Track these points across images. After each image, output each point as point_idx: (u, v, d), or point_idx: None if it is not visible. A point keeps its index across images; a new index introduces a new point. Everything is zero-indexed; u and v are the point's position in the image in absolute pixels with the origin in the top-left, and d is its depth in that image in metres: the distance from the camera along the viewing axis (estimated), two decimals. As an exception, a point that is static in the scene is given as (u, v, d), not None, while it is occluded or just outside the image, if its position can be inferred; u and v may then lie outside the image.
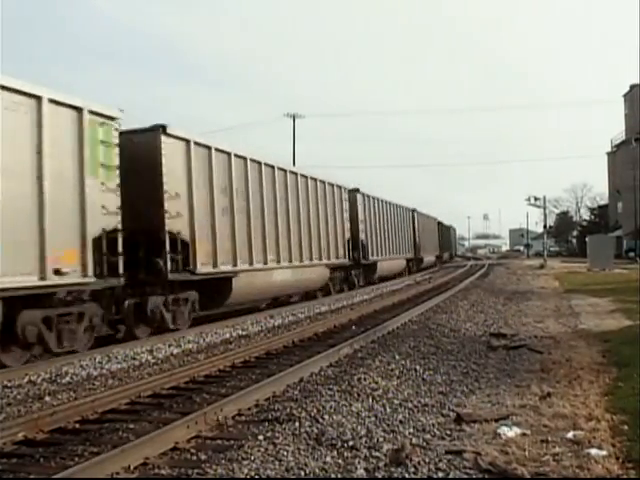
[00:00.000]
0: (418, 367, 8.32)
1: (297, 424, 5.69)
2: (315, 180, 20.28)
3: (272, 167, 16.91)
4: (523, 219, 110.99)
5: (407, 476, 4.43)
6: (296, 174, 18.62)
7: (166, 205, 12.08)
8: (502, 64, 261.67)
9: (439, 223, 52.88)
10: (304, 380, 7.65)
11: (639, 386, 6.61)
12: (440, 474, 4.43)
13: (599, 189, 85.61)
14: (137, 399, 7.06)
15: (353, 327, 13.01)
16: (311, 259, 19.10)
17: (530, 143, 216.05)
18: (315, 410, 6.13)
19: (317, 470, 4.60)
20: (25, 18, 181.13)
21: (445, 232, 59.17)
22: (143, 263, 11.92)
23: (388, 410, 6.19)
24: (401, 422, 5.77)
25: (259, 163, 16.09)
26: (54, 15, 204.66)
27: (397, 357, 9.04)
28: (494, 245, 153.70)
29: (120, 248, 10.73)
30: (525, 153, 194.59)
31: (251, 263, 15.12)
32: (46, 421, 5.93)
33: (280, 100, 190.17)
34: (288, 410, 6.17)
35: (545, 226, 57.61)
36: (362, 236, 25.12)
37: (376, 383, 7.32)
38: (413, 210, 38.30)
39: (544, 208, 54.76)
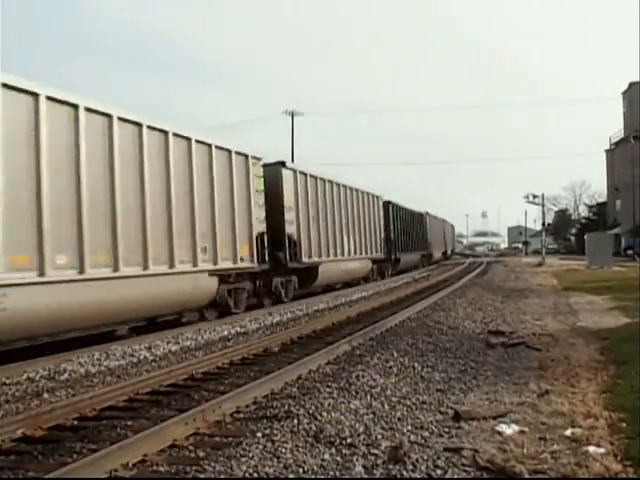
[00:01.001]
0: (416, 364, 8.33)
1: (295, 421, 5.69)
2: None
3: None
4: (521, 217, 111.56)
5: (405, 474, 4.43)
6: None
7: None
8: (501, 62, 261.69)
9: (388, 204, 30.94)
10: (302, 377, 7.65)
11: (637, 384, 6.61)
12: (438, 472, 4.44)
13: (597, 187, 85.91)
14: (135, 396, 7.06)
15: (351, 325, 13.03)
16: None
17: (529, 141, 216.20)
18: (313, 407, 6.14)
19: (315, 467, 4.60)
20: (26, 17, 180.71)
21: (406, 220, 35.61)
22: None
23: (386, 407, 6.19)
24: (399, 419, 5.77)
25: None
26: (54, 14, 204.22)
27: (395, 354, 9.05)
28: (492, 243, 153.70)
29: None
30: (524, 151, 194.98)
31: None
32: (44, 418, 5.92)
33: (278, 98, 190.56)
34: (286, 407, 6.17)
35: (543, 224, 57.57)
36: None
37: (374, 380, 7.32)
38: (280, 164, 18.20)
39: (542, 206, 54.78)
